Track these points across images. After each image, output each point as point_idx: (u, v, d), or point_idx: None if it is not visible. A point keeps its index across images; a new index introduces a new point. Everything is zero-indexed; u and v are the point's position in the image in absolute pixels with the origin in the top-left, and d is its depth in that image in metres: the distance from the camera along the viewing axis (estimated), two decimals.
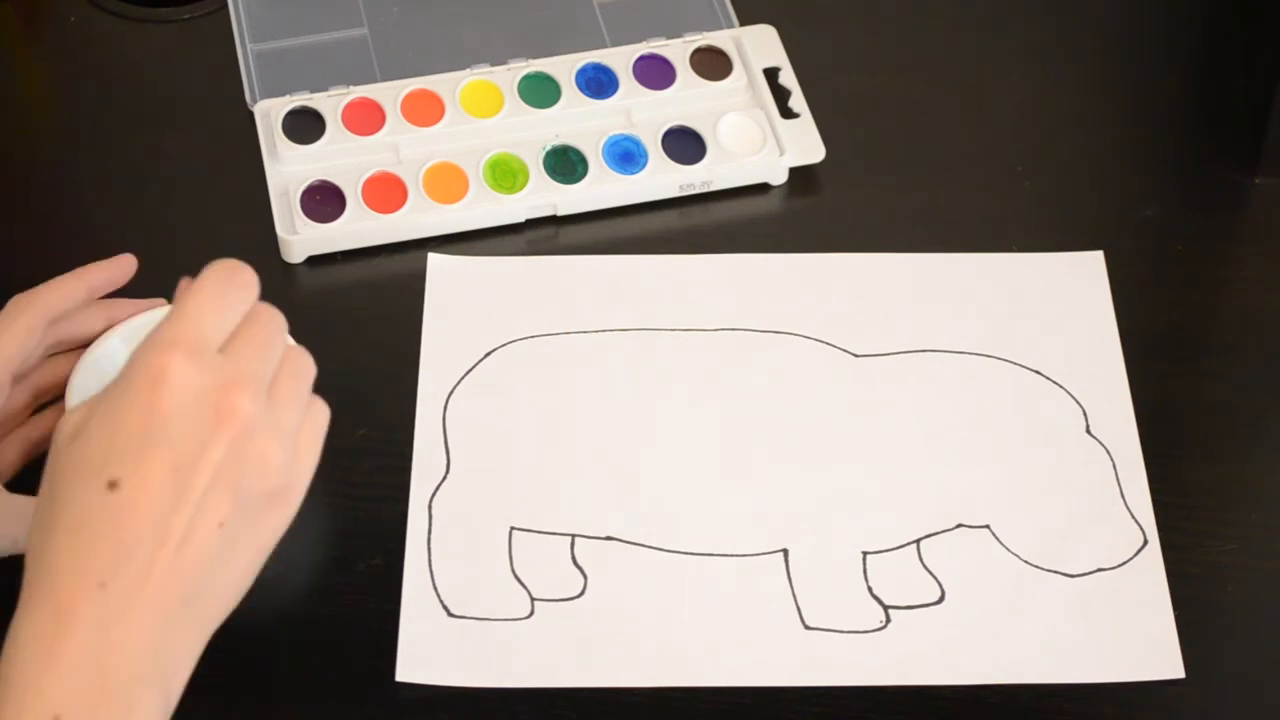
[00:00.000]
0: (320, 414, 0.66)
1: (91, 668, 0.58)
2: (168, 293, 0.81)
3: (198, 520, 0.60)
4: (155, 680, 0.59)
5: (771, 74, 0.95)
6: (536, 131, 0.92)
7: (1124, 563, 0.78)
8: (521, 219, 0.90)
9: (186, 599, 0.60)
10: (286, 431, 0.63)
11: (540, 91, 0.94)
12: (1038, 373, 0.84)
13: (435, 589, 0.76)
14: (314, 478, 0.80)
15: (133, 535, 0.59)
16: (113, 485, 0.59)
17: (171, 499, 0.59)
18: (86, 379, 0.77)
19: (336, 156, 0.91)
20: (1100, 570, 0.78)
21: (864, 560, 0.78)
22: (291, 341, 0.66)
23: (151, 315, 0.80)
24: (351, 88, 0.93)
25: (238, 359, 0.62)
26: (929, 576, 0.77)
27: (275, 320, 0.65)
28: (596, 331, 0.85)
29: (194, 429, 0.60)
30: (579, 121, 0.93)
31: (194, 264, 0.88)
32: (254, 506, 0.62)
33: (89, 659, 0.58)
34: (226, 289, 0.64)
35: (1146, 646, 0.75)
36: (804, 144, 0.93)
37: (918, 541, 0.79)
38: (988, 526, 0.79)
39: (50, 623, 0.58)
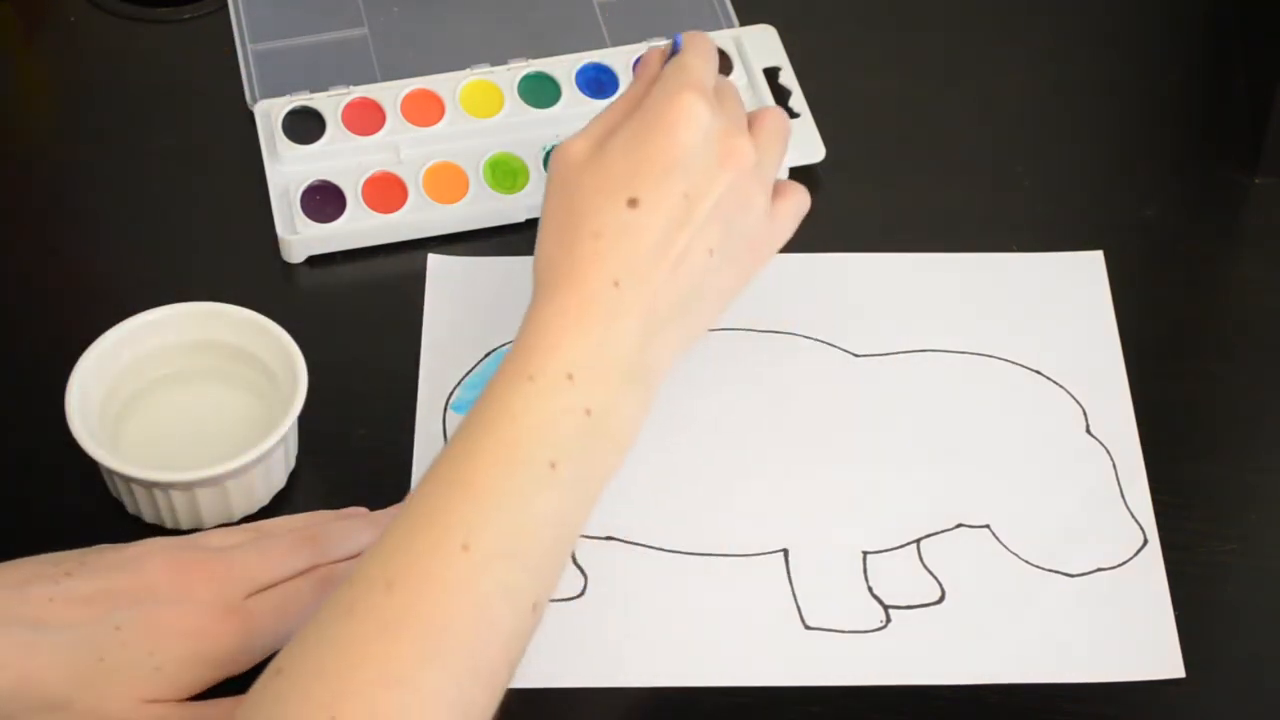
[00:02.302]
0: (801, 194, 0.77)
1: (600, 345, 0.68)
2: (168, 292, 0.81)
3: (695, 243, 0.70)
4: (641, 375, 0.69)
5: (771, 74, 0.95)
6: (536, 131, 0.92)
7: (1124, 562, 0.78)
8: (521, 219, 0.90)
9: (674, 311, 0.70)
10: (767, 184, 0.74)
11: (540, 91, 0.94)
12: (1038, 373, 0.84)
13: None
14: (314, 477, 0.81)
15: (646, 247, 0.69)
16: (633, 203, 0.69)
17: (678, 220, 0.70)
18: (86, 382, 0.77)
19: (336, 156, 0.91)
20: (1100, 570, 0.78)
21: (864, 560, 0.78)
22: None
23: (149, 315, 0.80)
24: (351, 88, 0.93)
25: (730, 110, 0.73)
26: (929, 576, 0.77)
27: (735, 86, 0.76)
28: None
29: (705, 162, 0.71)
30: (579, 121, 0.92)
31: (194, 264, 0.89)
32: (735, 245, 0.72)
33: (600, 338, 0.68)
34: (708, 52, 0.75)
35: (1146, 646, 0.75)
36: (804, 144, 0.92)
37: (918, 541, 0.79)
38: (988, 526, 0.79)
39: (573, 304, 0.68)
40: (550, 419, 0.66)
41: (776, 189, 0.76)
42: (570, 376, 0.67)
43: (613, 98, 0.76)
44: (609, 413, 0.68)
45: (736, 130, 0.72)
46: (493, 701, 0.63)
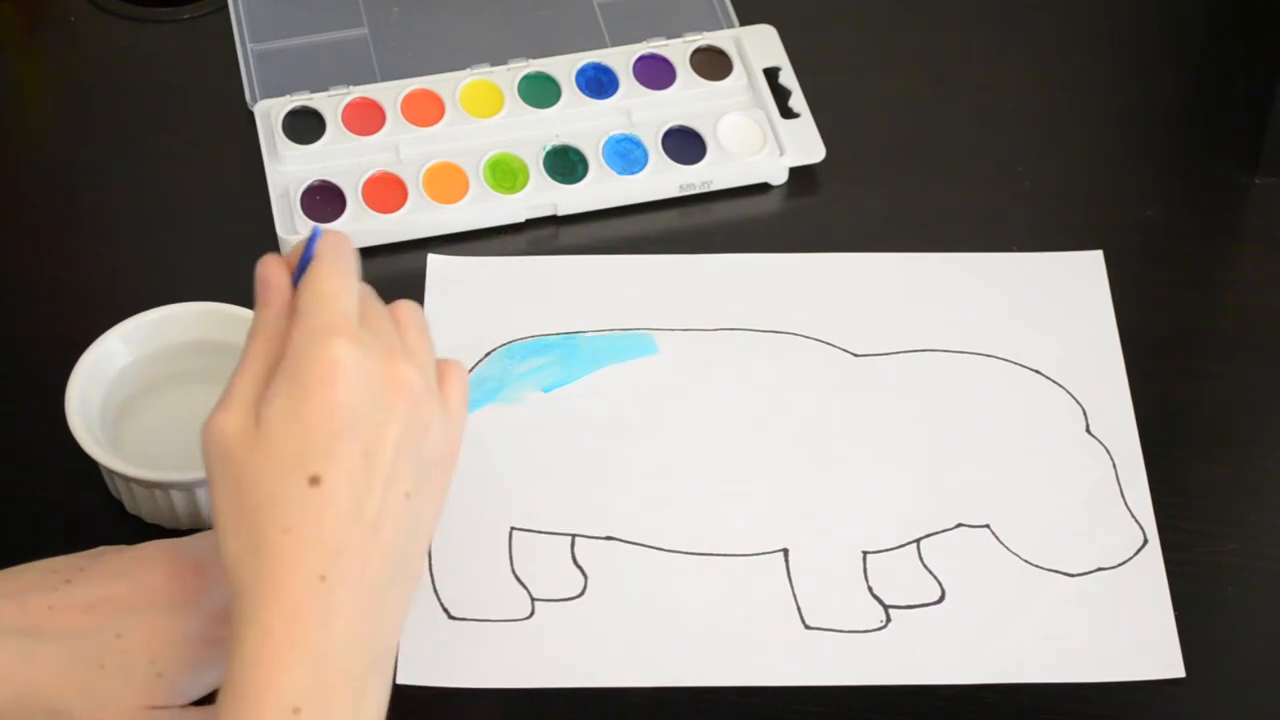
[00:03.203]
0: (459, 374, 0.68)
1: (322, 660, 0.60)
2: (167, 291, 0.81)
3: (389, 497, 0.62)
4: (378, 662, 0.62)
5: (771, 74, 0.95)
6: (536, 131, 0.92)
7: (1124, 562, 0.78)
8: (521, 219, 0.90)
9: (392, 577, 0.63)
10: (435, 391, 0.65)
11: (540, 91, 0.94)
12: (1038, 373, 0.84)
13: (435, 591, 0.76)
14: None
15: (341, 524, 0.61)
16: (314, 481, 0.61)
17: (365, 482, 0.62)
18: (85, 382, 0.77)
19: (336, 156, 0.91)
20: (1100, 570, 0.78)
21: (864, 560, 0.78)
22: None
23: (149, 315, 0.80)
24: (351, 88, 0.93)
25: (378, 331, 0.64)
26: (929, 576, 0.77)
27: (374, 296, 0.67)
28: (597, 331, 0.85)
29: (374, 410, 0.62)
30: (579, 121, 0.93)
31: (194, 264, 0.89)
32: (427, 472, 0.65)
33: (320, 652, 0.60)
34: (342, 261, 0.65)
35: (1146, 646, 0.75)
36: (804, 144, 0.93)
37: (918, 541, 0.79)
38: (988, 526, 0.79)
39: (280, 621, 0.60)
40: None
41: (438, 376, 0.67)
42: (296, 711, 0.59)
43: (251, 345, 0.65)
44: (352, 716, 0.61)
45: (393, 356, 0.64)
46: None
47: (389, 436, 0.63)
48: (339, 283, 0.64)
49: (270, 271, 0.66)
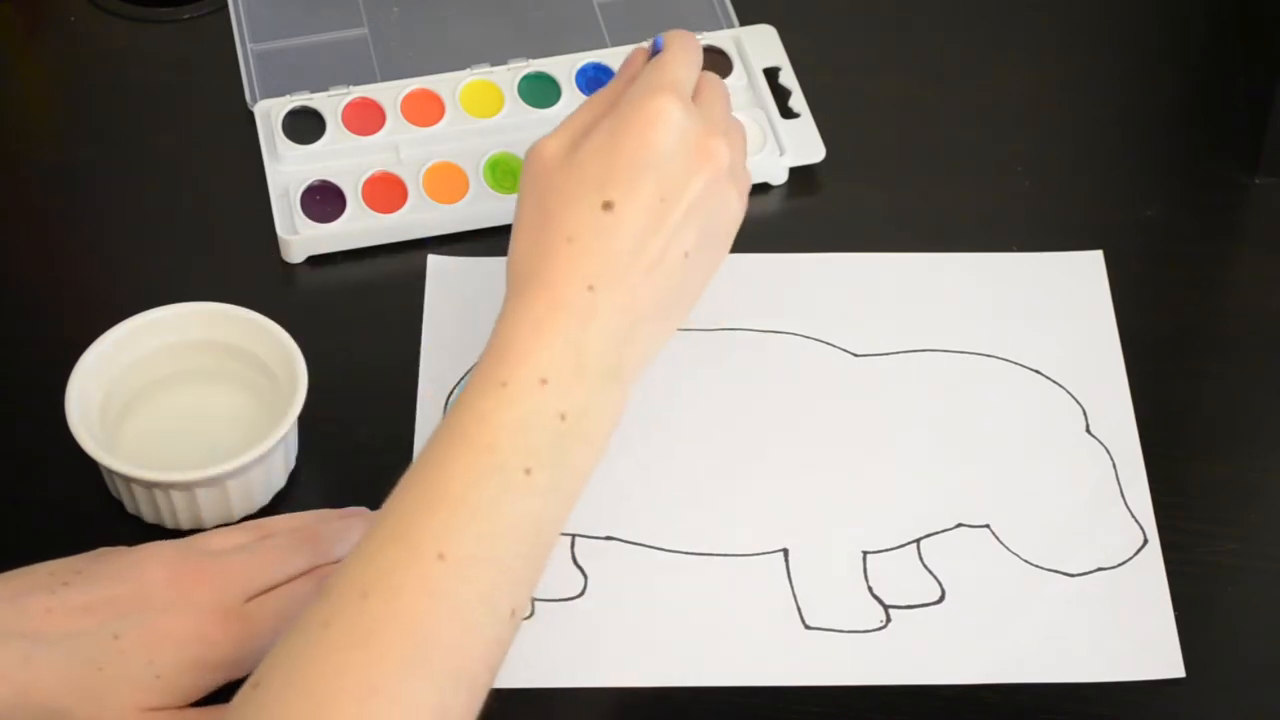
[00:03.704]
0: (748, 175, 0.76)
1: (574, 350, 0.67)
2: (167, 291, 0.81)
3: (671, 246, 0.70)
4: (617, 377, 0.68)
5: (771, 74, 0.95)
6: (537, 131, 0.91)
7: (1124, 562, 0.78)
8: None
9: (650, 313, 0.70)
10: (743, 180, 0.74)
11: (540, 91, 0.94)
12: (1038, 372, 0.84)
13: None
14: (314, 477, 0.81)
15: (621, 251, 0.68)
16: (607, 205, 0.69)
17: (654, 224, 0.69)
18: (85, 382, 0.77)
19: (336, 156, 0.91)
20: (1100, 570, 0.78)
21: (864, 560, 0.78)
22: None
23: (149, 315, 0.80)
24: (351, 88, 0.93)
25: (708, 110, 0.73)
26: (929, 576, 0.77)
27: (722, 85, 0.76)
28: None
29: (681, 164, 0.70)
30: None
31: (194, 264, 0.89)
32: (710, 243, 0.72)
33: (574, 342, 0.67)
34: (690, 49, 0.75)
35: (1146, 646, 0.75)
36: (804, 144, 0.93)
37: (918, 541, 0.79)
38: (988, 526, 0.79)
39: (545, 309, 0.67)
40: (523, 425, 0.66)
41: None
42: (543, 381, 0.66)
43: (592, 98, 0.75)
44: (584, 416, 0.67)
45: (713, 131, 0.72)
46: (473, 708, 0.63)
47: (687, 193, 0.70)
48: (680, 58, 0.73)
49: (632, 56, 0.77)
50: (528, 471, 0.65)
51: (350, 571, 0.63)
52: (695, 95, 0.73)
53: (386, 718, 0.60)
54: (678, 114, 0.70)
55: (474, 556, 0.63)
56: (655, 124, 0.70)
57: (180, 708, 0.69)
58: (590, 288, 0.68)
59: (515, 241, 0.71)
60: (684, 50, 0.75)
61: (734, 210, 0.73)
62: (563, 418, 0.66)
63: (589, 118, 0.73)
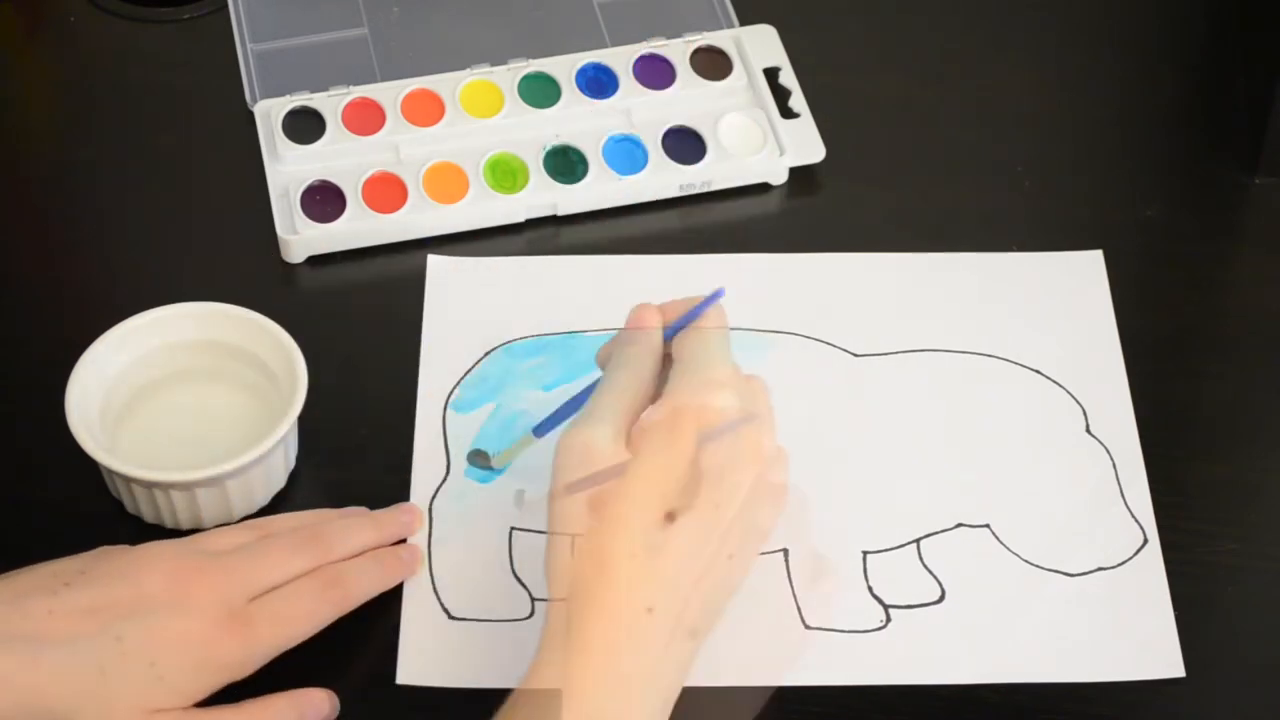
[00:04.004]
0: (785, 461, 0.71)
1: (626, 686, 0.64)
2: (167, 291, 0.81)
3: (720, 552, 0.66)
4: (669, 694, 0.66)
5: (771, 74, 0.95)
6: (536, 131, 0.92)
7: (1124, 562, 0.78)
8: (521, 219, 0.90)
9: (693, 630, 0.66)
10: (776, 467, 0.69)
11: (540, 91, 0.94)
12: (1038, 372, 0.84)
13: (435, 591, 0.76)
14: (314, 477, 0.80)
15: (678, 566, 0.65)
16: (669, 517, 0.65)
17: (707, 534, 0.66)
18: (85, 382, 0.77)
19: (336, 156, 0.91)
20: (1100, 569, 0.78)
21: (864, 560, 0.78)
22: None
23: (149, 315, 0.80)
24: (351, 88, 0.93)
25: (750, 399, 0.68)
26: (929, 576, 0.77)
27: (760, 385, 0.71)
28: (597, 331, 0.85)
29: (734, 468, 0.66)
30: (579, 121, 0.93)
31: (194, 264, 0.89)
32: (749, 540, 0.68)
33: (625, 679, 0.64)
34: (725, 333, 0.71)
35: (1146, 646, 0.75)
36: (804, 144, 0.93)
37: (918, 541, 0.79)
38: (988, 526, 0.79)
39: (601, 642, 0.64)
40: None
41: None
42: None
43: (618, 375, 0.70)
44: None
45: (763, 425, 0.69)
46: None
47: (738, 496, 0.66)
48: (725, 347, 0.70)
49: (646, 315, 0.71)
50: None
51: None
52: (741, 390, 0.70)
53: None
54: (733, 410, 0.67)
55: None
56: (691, 437, 0.66)
57: (184, 708, 0.69)
58: (649, 610, 0.65)
59: (572, 547, 0.67)
60: (724, 336, 0.71)
61: (772, 506, 0.70)
62: None
63: (624, 402, 0.69)
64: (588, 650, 0.64)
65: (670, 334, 0.71)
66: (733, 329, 0.85)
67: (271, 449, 0.76)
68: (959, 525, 0.79)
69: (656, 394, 0.70)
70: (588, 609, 0.65)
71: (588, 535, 0.66)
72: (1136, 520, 0.79)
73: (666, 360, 0.71)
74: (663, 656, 0.65)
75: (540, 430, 0.75)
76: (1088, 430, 0.82)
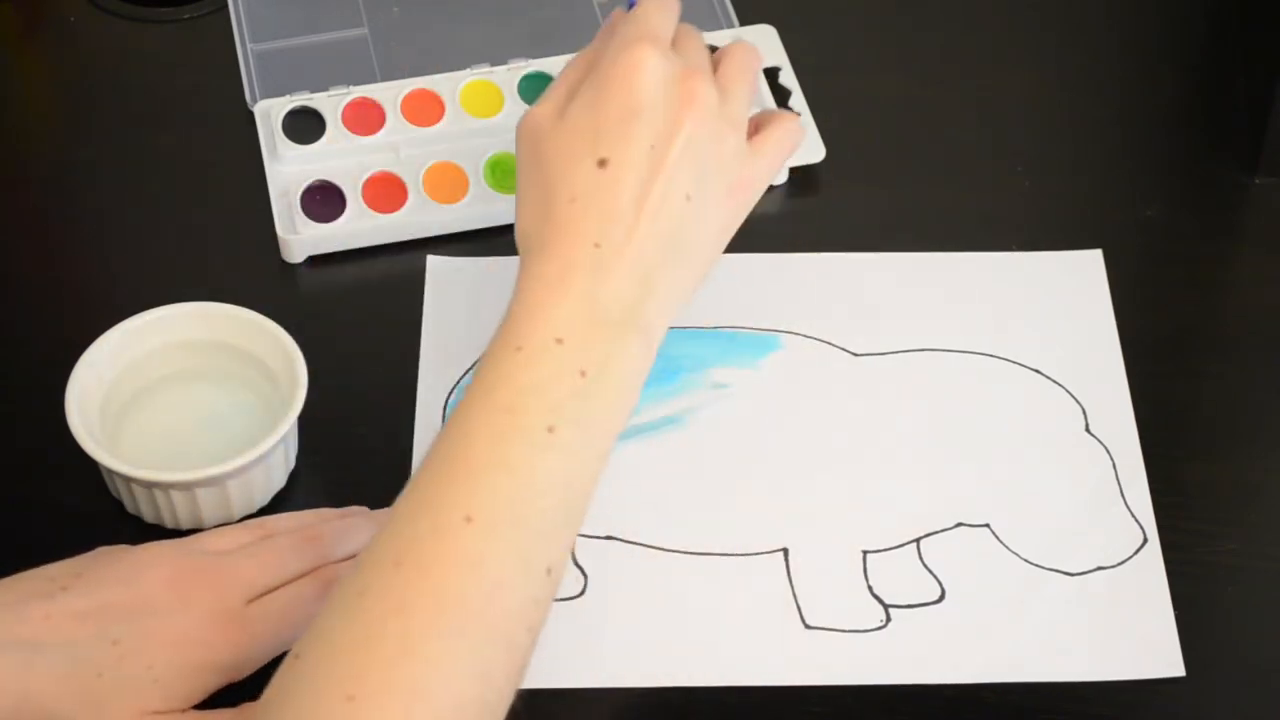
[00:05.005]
0: (784, 123, 0.76)
1: (587, 305, 0.67)
2: (167, 291, 0.81)
3: (669, 191, 0.70)
4: (636, 327, 0.68)
5: (771, 74, 0.95)
6: None
7: (1124, 561, 0.78)
8: None
9: (662, 259, 0.69)
10: (737, 121, 0.73)
11: (540, 91, 0.93)
12: (1038, 372, 0.84)
13: None
14: (314, 477, 0.80)
15: (620, 204, 0.69)
16: (602, 163, 0.69)
17: (649, 172, 0.69)
18: (85, 382, 0.77)
19: (336, 156, 0.91)
20: (1100, 569, 0.78)
21: (864, 559, 0.78)
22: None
23: (149, 315, 0.80)
24: (351, 88, 0.93)
25: (686, 55, 0.73)
26: (929, 575, 0.77)
27: (698, 33, 0.75)
28: None
29: (666, 110, 0.70)
30: None
31: (194, 264, 0.89)
32: (713, 186, 0.71)
33: (586, 298, 0.67)
34: (665, 1, 0.74)
35: (1147, 645, 0.75)
36: (804, 144, 0.92)
37: (918, 540, 0.79)
38: (988, 525, 0.79)
39: (556, 270, 0.68)
40: (542, 385, 0.66)
41: (758, 121, 0.75)
42: (559, 340, 0.67)
43: (575, 59, 0.75)
44: (605, 370, 0.67)
45: (694, 72, 0.71)
46: (515, 668, 0.63)
47: (676, 138, 0.70)
48: (656, 9, 0.73)
49: (612, 17, 0.75)
50: (550, 429, 0.65)
51: (382, 541, 0.63)
52: (674, 43, 0.73)
53: (424, 681, 0.60)
54: (655, 61, 0.70)
55: (502, 518, 0.63)
56: (635, 74, 0.70)
57: (181, 711, 0.69)
58: (596, 245, 0.68)
59: (520, 210, 0.71)
60: (657, 1, 0.74)
61: (732, 148, 0.72)
62: (583, 374, 0.66)
63: (574, 79, 0.73)
64: (546, 280, 0.68)
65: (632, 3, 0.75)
66: (733, 329, 0.85)
67: (271, 449, 0.76)
68: (959, 525, 0.79)
69: None
70: (536, 251, 0.69)
71: (533, 194, 0.71)
72: (1136, 520, 0.79)
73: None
74: (625, 289, 0.68)
75: None
76: (1087, 430, 0.82)
